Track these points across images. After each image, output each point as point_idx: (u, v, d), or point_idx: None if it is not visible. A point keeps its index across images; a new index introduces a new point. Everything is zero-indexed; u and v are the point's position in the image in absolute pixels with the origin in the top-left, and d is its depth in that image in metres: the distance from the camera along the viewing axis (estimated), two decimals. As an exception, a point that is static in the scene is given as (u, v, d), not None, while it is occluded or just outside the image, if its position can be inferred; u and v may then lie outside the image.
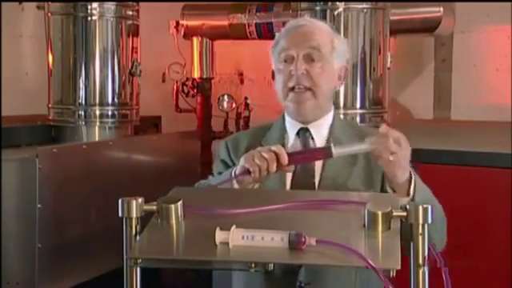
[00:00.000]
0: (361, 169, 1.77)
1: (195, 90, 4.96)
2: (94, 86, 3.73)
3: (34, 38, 4.52)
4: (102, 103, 3.75)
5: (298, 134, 1.84)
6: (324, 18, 3.37)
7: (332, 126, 1.85)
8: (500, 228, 2.81)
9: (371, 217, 1.29)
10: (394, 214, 1.30)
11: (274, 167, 1.59)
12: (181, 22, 4.94)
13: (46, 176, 2.93)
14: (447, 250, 1.58)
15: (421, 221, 1.28)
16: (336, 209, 1.40)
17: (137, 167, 3.58)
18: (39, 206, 2.89)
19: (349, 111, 3.44)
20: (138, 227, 1.35)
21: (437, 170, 2.88)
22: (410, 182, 1.63)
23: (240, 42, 5.12)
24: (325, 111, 1.85)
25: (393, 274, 1.20)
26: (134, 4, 3.92)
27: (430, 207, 1.29)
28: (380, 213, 1.29)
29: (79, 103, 3.72)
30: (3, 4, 4.28)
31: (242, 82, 5.60)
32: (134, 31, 3.92)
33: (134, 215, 1.35)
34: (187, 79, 4.95)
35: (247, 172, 1.60)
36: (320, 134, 1.83)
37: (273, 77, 1.86)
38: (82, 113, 3.72)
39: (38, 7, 4.38)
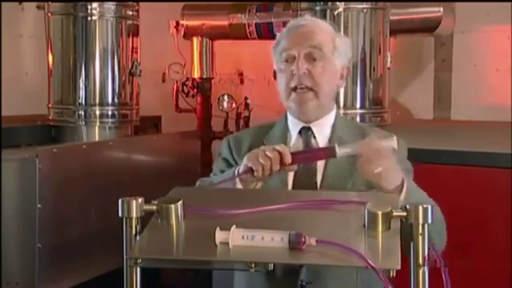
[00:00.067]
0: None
1: (195, 90, 4.97)
2: (93, 86, 3.73)
3: (34, 38, 4.51)
4: (102, 103, 3.75)
5: (300, 132, 1.84)
6: (324, 17, 3.37)
7: (334, 125, 1.85)
8: (500, 228, 2.81)
9: (371, 217, 1.29)
10: (394, 214, 1.30)
11: (277, 167, 1.59)
12: (181, 22, 4.94)
13: (45, 176, 2.93)
14: (447, 250, 1.58)
15: (421, 221, 1.27)
16: (336, 209, 1.40)
17: (137, 167, 3.58)
18: (39, 205, 2.90)
19: (349, 111, 3.44)
20: (138, 227, 1.35)
21: (437, 170, 2.88)
22: (402, 188, 1.60)
23: (240, 42, 5.12)
24: (327, 110, 1.85)
25: (393, 273, 1.20)
26: (134, 4, 3.92)
27: (429, 207, 1.28)
28: (380, 213, 1.28)
29: (79, 103, 3.72)
30: (3, 4, 4.28)
31: (242, 82, 5.60)
32: (134, 31, 3.92)
33: (133, 215, 1.34)
34: (187, 79, 4.95)
35: (250, 171, 1.60)
36: (322, 133, 1.83)
37: (274, 77, 1.86)
38: (82, 113, 3.72)
39: (38, 7, 4.38)
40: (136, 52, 3.92)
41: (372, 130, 1.90)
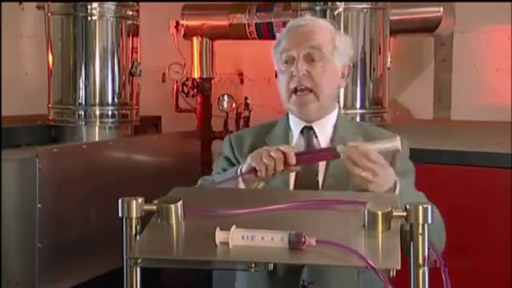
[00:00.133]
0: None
1: (195, 90, 4.97)
2: (93, 86, 3.73)
3: (34, 38, 4.51)
4: (102, 103, 3.75)
5: (302, 132, 1.84)
6: (324, 18, 3.37)
7: (336, 125, 1.85)
8: (500, 228, 2.81)
9: (371, 217, 1.29)
10: (394, 214, 1.30)
11: (281, 167, 1.60)
12: (181, 22, 4.94)
13: (45, 176, 2.93)
14: (447, 250, 1.58)
15: (421, 221, 1.27)
16: (336, 209, 1.40)
17: (137, 167, 3.58)
18: (39, 205, 2.89)
19: (349, 111, 3.44)
20: (138, 227, 1.35)
21: (437, 170, 2.88)
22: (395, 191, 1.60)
23: (240, 42, 5.12)
24: (328, 111, 1.84)
25: (393, 273, 1.19)
26: (134, 4, 3.92)
27: (429, 207, 1.28)
28: (380, 213, 1.28)
29: (79, 103, 3.72)
30: (3, 4, 4.27)
31: (242, 82, 5.61)
32: (134, 31, 3.92)
33: (134, 215, 1.34)
34: (187, 79, 4.95)
35: (254, 171, 1.60)
36: (324, 132, 1.83)
37: (276, 76, 1.86)
38: (82, 113, 3.72)
39: (38, 7, 4.38)
40: (136, 52, 3.92)
41: (375, 130, 1.89)
